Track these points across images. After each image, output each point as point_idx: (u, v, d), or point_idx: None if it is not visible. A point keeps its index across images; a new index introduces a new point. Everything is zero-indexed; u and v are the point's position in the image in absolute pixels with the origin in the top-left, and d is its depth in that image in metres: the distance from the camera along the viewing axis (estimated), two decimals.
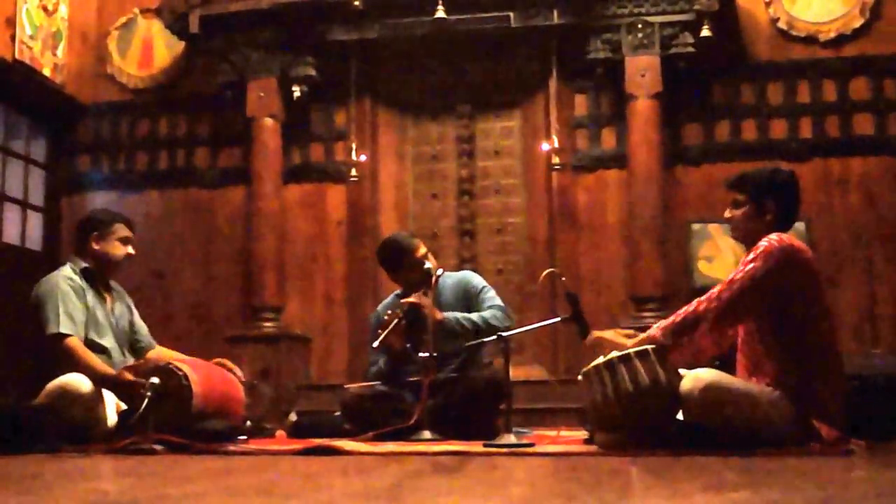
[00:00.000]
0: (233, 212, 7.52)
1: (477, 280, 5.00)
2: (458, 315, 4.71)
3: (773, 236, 3.69)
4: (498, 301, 4.84)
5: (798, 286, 3.67)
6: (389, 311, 4.75)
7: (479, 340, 4.52)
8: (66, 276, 4.46)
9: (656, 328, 3.70)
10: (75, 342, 4.30)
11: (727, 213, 3.92)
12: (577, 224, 7.07)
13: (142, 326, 4.81)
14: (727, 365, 3.80)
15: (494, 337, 4.20)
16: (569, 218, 7.07)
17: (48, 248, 7.55)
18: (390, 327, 4.61)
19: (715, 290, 3.67)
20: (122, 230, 4.65)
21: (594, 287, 6.91)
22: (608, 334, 3.85)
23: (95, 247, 4.59)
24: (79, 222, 4.80)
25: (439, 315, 4.62)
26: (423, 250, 4.88)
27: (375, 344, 4.68)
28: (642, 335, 3.71)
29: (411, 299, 4.71)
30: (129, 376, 4.11)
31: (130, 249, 4.67)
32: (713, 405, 3.49)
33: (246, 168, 7.34)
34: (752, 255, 3.67)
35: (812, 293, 3.71)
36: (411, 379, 4.72)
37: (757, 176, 3.89)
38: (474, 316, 4.72)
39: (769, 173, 3.92)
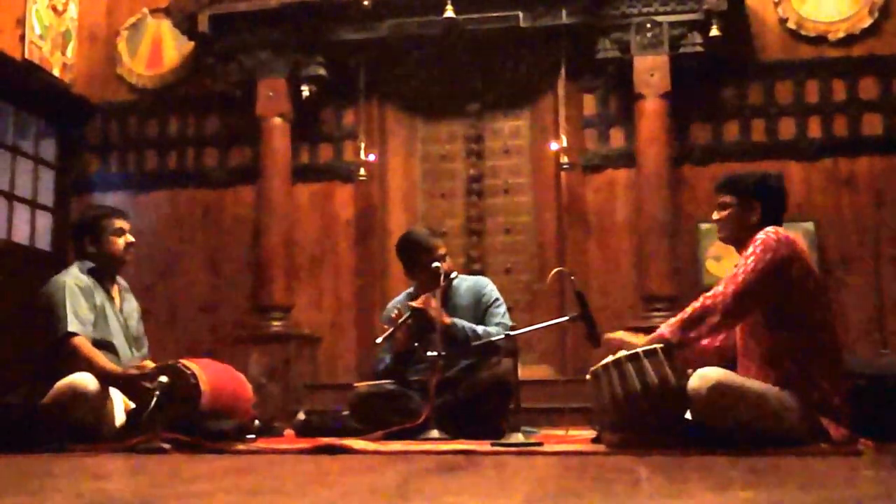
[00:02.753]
0: (242, 211, 7.53)
1: (490, 289, 4.98)
2: (466, 324, 4.72)
3: (770, 229, 3.74)
4: (505, 319, 4.84)
5: (798, 278, 3.69)
6: (397, 310, 4.77)
7: (488, 340, 4.53)
8: (74, 277, 4.44)
9: (665, 326, 3.71)
10: (82, 341, 4.28)
11: (715, 215, 3.98)
12: (586, 223, 7.06)
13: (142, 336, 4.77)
14: (730, 367, 3.80)
15: (502, 336, 4.22)
16: (577, 217, 7.07)
17: (57, 248, 7.56)
18: (397, 325, 4.65)
19: (720, 286, 3.69)
20: (112, 223, 4.56)
21: (603, 286, 6.89)
22: (620, 334, 3.87)
23: (92, 248, 4.55)
24: (71, 228, 4.71)
25: (447, 320, 4.63)
26: (441, 252, 4.86)
27: (379, 340, 4.73)
28: (651, 335, 3.72)
29: (417, 303, 4.72)
30: (137, 374, 4.12)
31: (129, 238, 4.59)
32: (721, 403, 3.50)
33: (255, 167, 7.34)
34: (751, 249, 3.70)
35: (810, 286, 3.73)
36: (419, 378, 4.73)
37: (744, 179, 3.97)
38: (480, 329, 4.73)
39: (756, 177, 4.00)
